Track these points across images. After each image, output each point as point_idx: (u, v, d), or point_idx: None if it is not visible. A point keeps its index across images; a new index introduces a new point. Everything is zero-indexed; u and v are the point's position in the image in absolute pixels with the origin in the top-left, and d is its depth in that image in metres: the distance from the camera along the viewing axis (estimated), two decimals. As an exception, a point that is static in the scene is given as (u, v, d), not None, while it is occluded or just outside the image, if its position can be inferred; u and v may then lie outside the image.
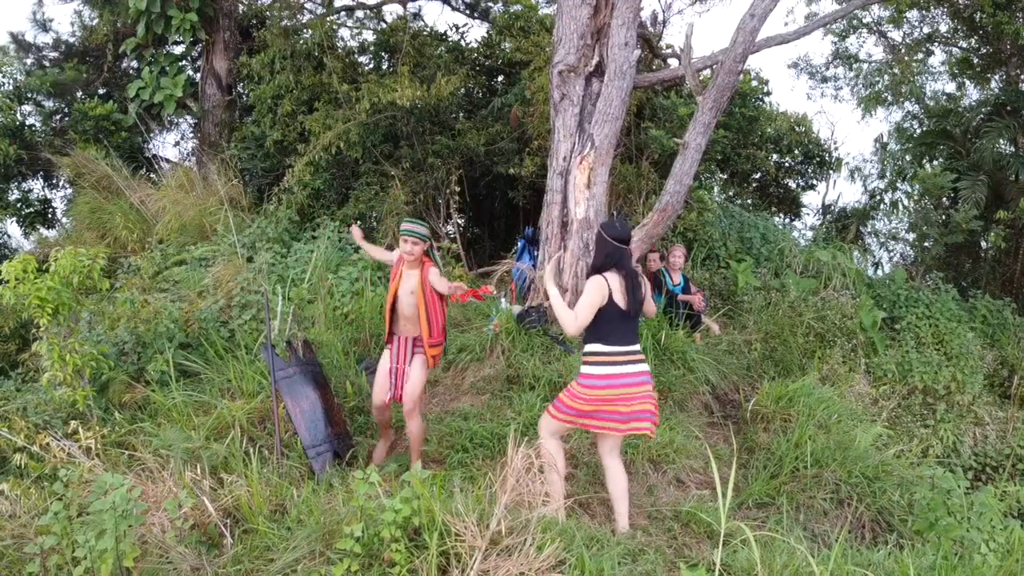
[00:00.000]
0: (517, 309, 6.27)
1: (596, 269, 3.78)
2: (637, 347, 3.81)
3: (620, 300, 3.71)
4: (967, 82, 13.05)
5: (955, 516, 4.37)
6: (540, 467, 3.51)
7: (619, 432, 3.75)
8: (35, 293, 4.59)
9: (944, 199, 10.80)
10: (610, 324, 3.73)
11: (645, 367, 3.80)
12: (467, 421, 5.03)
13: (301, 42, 9.02)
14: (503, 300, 6.55)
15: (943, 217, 9.59)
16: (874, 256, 12.70)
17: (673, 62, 8.19)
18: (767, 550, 3.55)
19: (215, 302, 5.78)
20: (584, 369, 3.75)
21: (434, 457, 4.70)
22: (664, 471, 4.68)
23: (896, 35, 13.57)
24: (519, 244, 7.10)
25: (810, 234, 13.00)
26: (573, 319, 3.65)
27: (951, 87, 13.51)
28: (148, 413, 4.81)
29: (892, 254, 12.50)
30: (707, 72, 6.47)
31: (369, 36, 10.16)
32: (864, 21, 13.89)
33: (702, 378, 5.69)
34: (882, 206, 13.22)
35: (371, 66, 9.74)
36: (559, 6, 6.48)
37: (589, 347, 3.76)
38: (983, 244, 11.13)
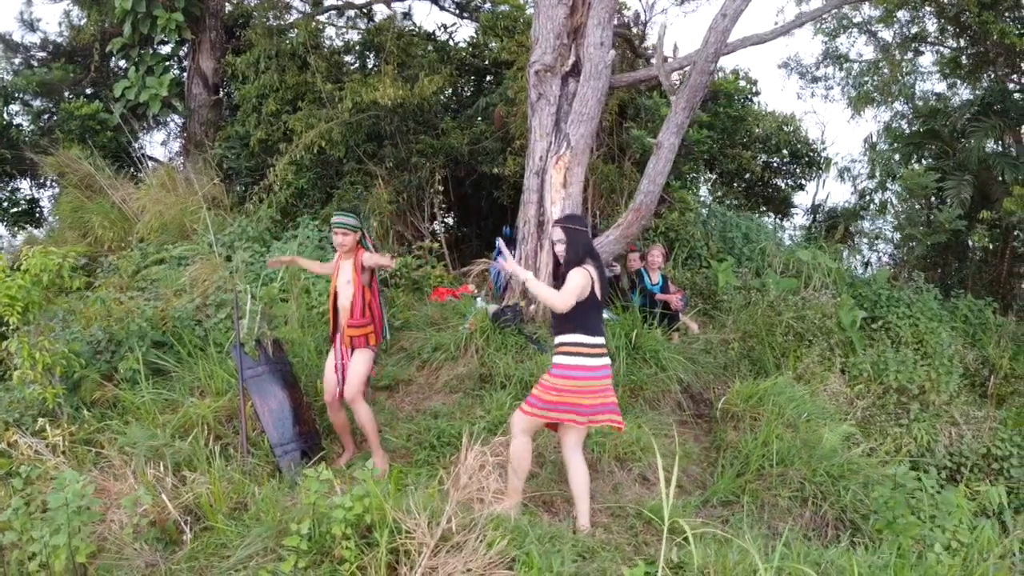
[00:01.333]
0: (493, 308, 6.29)
1: (575, 262, 3.75)
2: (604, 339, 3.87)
3: (598, 291, 3.75)
4: (959, 82, 13.06)
5: (919, 515, 4.39)
6: (495, 464, 3.53)
7: (578, 424, 3.76)
8: (5, 292, 4.62)
9: (932, 199, 10.81)
10: (591, 315, 3.74)
11: (609, 360, 3.85)
12: (436, 419, 5.05)
13: (286, 42, 9.05)
14: (479, 299, 6.57)
15: (927, 217, 9.60)
16: (863, 256, 12.73)
17: (655, 61, 8.22)
18: (722, 548, 3.57)
19: (190, 301, 5.80)
20: (562, 360, 3.72)
21: (401, 454, 4.73)
22: (630, 469, 4.70)
23: (887, 35, 13.59)
24: (497, 243, 7.11)
25: (799, 234, 13.03)
26: (560, 298, 3.61)
27: (941, 87, 13.53)
28: (117, 411, 4.84)
29: (881, 255, 12.51)
30: (685, 71, 6.49)
31: (355, 36, 10.18)
32: (855, 21, 13.90)
33: (674, 376, 5.69)
34: (872, 206, 13.24)
35: (356, 66, 9.76)
36: (536, 6, 6.51)
37: (570, 338, 3.74)
38: (970, 244, 11.13)
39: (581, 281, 3.67)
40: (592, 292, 3.73)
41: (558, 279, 3.84)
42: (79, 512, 3.22)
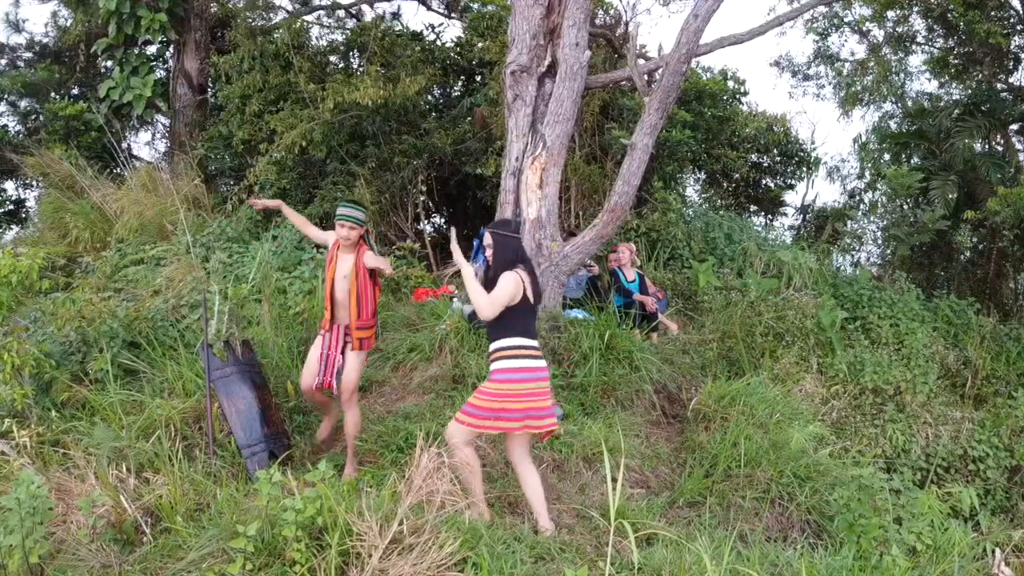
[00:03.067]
0: (468, 309, 6.28)
1: (505, 267, 3.79)
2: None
3: (531, 294, 3.77)
4: (950, 82, 13.06)
5: (884, 516, 4.39)
6: (450, 467, 3.53)
7: (513, 431, 3.77)
8: (-28, 293, 4.63)
9: (919, 199, 10.80)
10: (525, 318, 3.78)
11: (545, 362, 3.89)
12: (407, 421, 5.05)
13: (270, 42, 9.05)
14: (455, 300, 6.57)
15: (912, 217, 9.59)
16: (852, 256, 12.73)
17: (640, 62, 8.21)
18: (680, 549, 3.58)
19: (165, 302, 5.80)
20: (502, 364, 3.73)
21: (368, 456, 4.73)
22: (597, 470, 4.70)
23: (879, 34, 13.57)
24: (475, 244, 7.12)
25: (789, 234, 13.03)
26: (488, 302, 3.64)
27: (930, 87, 13.54)
28: (87, 412, 4.84)
29: (869, 255, 12.51)
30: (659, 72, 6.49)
31: (339, 36, 10.19)
32: (846, 20, 13.89)
33: (647, 377, 5.69)
34: (861, 206, 13.24)
35: (340, 66, 9.76)
36: (512, 6, 6.50)
37: (508, 341, 3.75)
38: (957, 245, 11.13)
39: (511, 287, 3.70)
40: (525, 296, 3.76)
41: (488, 284, 3.84)
42: (33, 512, 3.22)
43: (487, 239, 3.94)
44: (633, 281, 7.07)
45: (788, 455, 4.68)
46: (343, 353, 4.50)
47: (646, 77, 6.09)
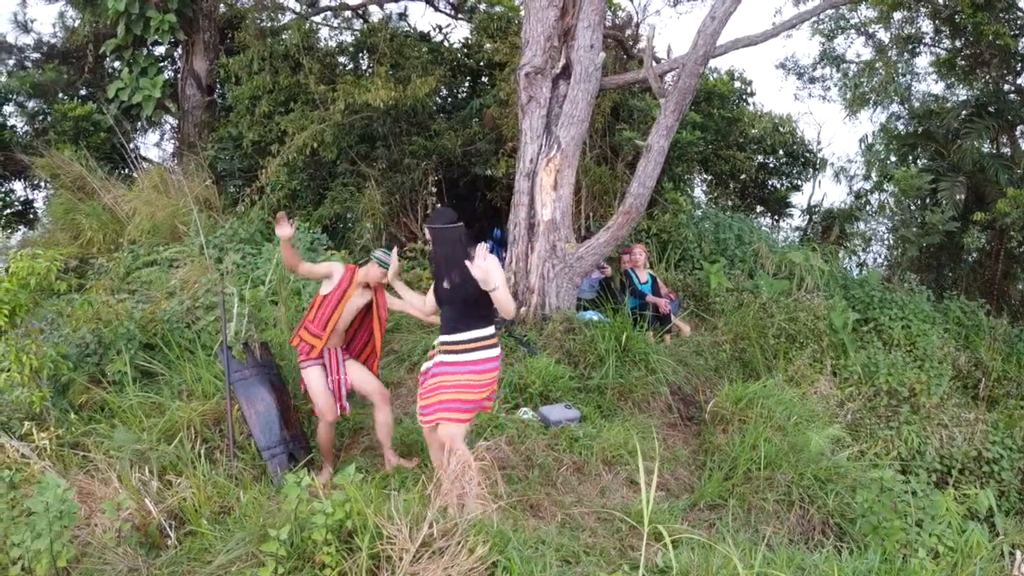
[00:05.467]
0: None
1: (458, 256, 3.72)
2: None
3: None
4: (956, 83, 13.06)
5: (905, 519, 4.39)
6: (478, 469, 3.52)
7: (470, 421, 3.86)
8: (-9, 295, 4.61)
9: (927, 200, 10.81)
10: (491, 305, 3.72)
11: None
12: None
13: (279, 43, 9.05)
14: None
15: (921, 218, 9.60)
16: (859, 257, 12.71)
17: (646, 64, 8.20)
18: (707, 552, 3.57)
19: (180, 303, 5.79)
20: (484, 354, 3.71)
21: (413, 453, 4.73)
22: (617, 472, 4.70)
23: (884, 36, 13.58)
24: (488, 246, 7.11)
25: (796, 235, 13.03)
26: (509, 297, 3.65)
27: (937, 88, 13.52)
28: (105, 415, 4.83)
29: (876, 256, 12.50)
30: (673, 74, 6.49)
31: (348, 37, 10.18)
32: (851, 22, 13.89)
33: (663, 379, 5.69)
34: (868, 207, 13.24)
35: (350, 67, 9.76)
36: (526, 8, 6.50)
37: (487, 330, 3.74)
38: (964, 246, 11.12)
39: (504, 278, 3.66)
40: None
41: (443, 280, 3.76)
42: (60, 516, 3.22)
43: (427, 235, 3.90)
44: (646, 283, 7.07)
45: (808, 458, 4.68)
46: (347, 372, 4.49)
47: (668, 79, 6.08)
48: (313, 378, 4.41)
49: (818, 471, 4.64)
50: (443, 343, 3.80)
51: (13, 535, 3.26)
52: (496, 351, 3.78)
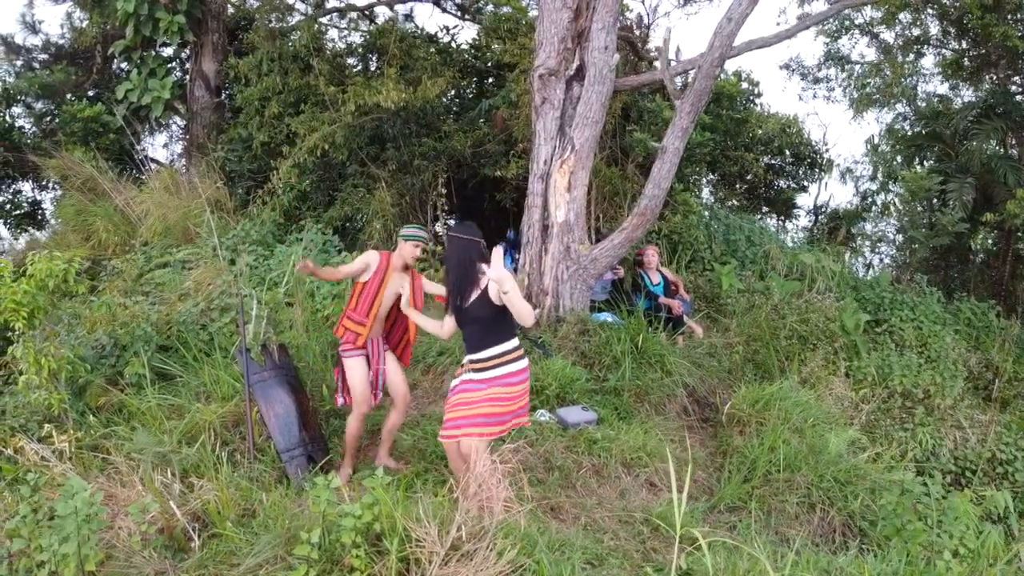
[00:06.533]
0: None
1: (472, 268, 3.72)
2: None
3: None
4: (961, 84, 13.06)
5: (925, 521, 4.38)
6: (504, 472, 3.52)
7: (502, 434, 3.83)
8: (10, 297, 4.60)
9: (934, 201, 10.81)
10: (511, 318, 3.70)
11: None
12: (440, 425, 5.03)
13: (288, 44, 9.04)
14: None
15: (930, 219, 9.60)
16: (865, 258, 12.72)
17: (659, 65, 8.21)
18: (734, 554, 3.57)
19: (195, 305, 5.79)
20: (510, 367, 3.70)
21: (405, 459, 4.72)
22: (637, 475, 4.69)
23: (888, 36, 13.58)
24: (500, 247, 7.11)
25: (802, 236, 13.02)
26: (528, 309, 3.61)
27: (942, 89, 13.52)
28: (123, 417, 4.83)
29: (882, 256, 12.50)
30: (688, 75, 6.49)
31: (357, 38, 10.18)
32: (856, 22, 13.89)
33: (679, 381, 5.69)
34: (873, 208, 13.24)
35: (359, 68, 9.75)
36: (540, 9, 6.50)
37: (512, 343, 3.72)
38: (972, 247, 11.13)
39: (518, 285, 3.73)
40: None
41: (457, 297, 3.75)
42: (88, 520, 3.21)
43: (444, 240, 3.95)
44: (658, 284, 7.07)
45: (827, 460, 4.68)
46: (386, 364, 4.51)
47: (678, 80, 6.07)
48: (355, 367, 4.39)
49: (838, 473, 4.64)
50: (470, 362, 3.80)
51: (39, 539, 3.26)
52: (523, 363, 3.76)
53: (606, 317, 6.39)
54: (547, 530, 3.76)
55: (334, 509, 3.19)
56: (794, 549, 3.25)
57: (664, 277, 7.24)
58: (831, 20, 14.22)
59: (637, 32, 8.47)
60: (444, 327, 4.02)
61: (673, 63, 6.91)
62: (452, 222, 8.04)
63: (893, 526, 3.97)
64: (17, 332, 4.72)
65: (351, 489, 4.08)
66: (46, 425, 4.51)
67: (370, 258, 4.44)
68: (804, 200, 13.50)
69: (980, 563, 4.12)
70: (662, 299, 6.87)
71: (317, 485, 3.21)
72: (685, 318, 7.02)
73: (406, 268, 4.42)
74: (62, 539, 3.20)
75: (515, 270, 6.73)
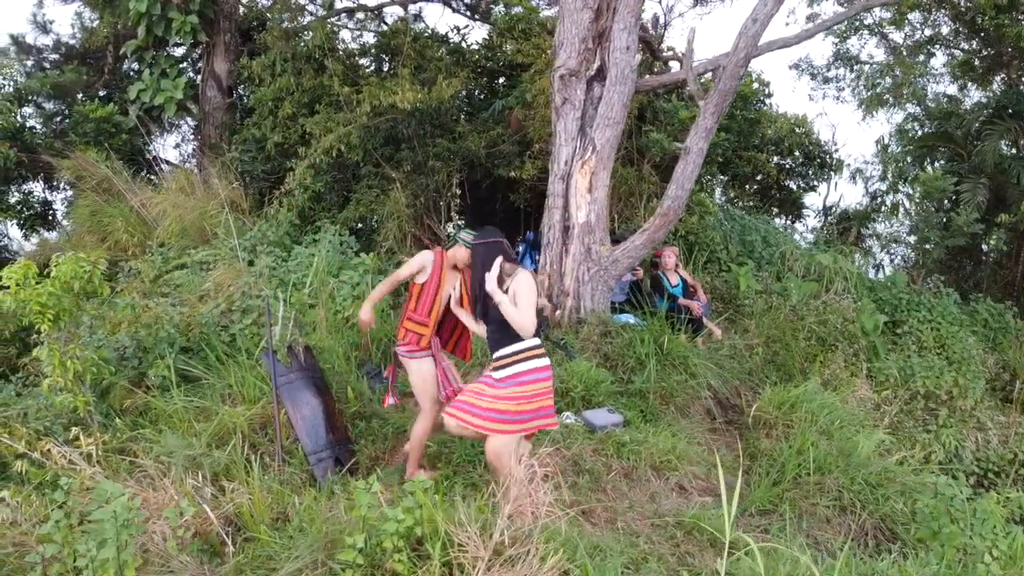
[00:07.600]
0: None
1: (490, 271, 3.82)
2: None
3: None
4: (970, 84, 13.05)
5: (958, 524, 4.36)
6: (544, 476, 3.50)
7: (527, 432, 3.86)
8: (36, 299, 4.57)
9: (945, 202, 10.80)
10: (535, 318, 3.82)
11: None
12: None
13: (302, 44, 9.01)
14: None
15: (944, 220, 9.58)
16: (875, 258, 12.70)
17: (674, 65, 8.19)
18: (770, 559, 3.55)
19: (216, 307, 5.76)
20: (528, 365, 3.76)
21: (433, 463, 4.69)
22: (667, 478, 4.67)
23: (898, 36, 13.58)
24: (520, 248, 7.09)
25: (811, 236, 13.00)
26: (528, 318, 3.71)
27: (952, 89, 13.52)
28: (149, 419, 4.80)
29: (893, 256, 12.48)
30: (708, 76, 6.47)
31: (370, 38, 10.15)
32: (866, 23, 13.88)
33: (704, 383, 5.67)
34: (883, 208, 13.22)
35: (372, 68, 9.72)
36: (561, 10, 6.47)
37: (528, 342, 3.78)
38: (984, 247, 11.12)
39: (533, 288, 3.79)
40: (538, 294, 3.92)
41: (477, 300, 3.93)
42: (126, 525, 3.18)
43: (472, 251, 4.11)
44: (677, 285, 7.05)
45: (858, 462, 4.66)
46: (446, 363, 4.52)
47: (702, 80, 6.05)
48: (425, 368, 4.37)
49: (868, 476, 4.61)
50: (494, 359, 3.89)
51: (77, 544, 3.23)
52: (542, 361, 3.81)
53: (628, 319, 6.36)
54: (584, 535, 3.74)
55: (374, 513, 3.16)
56: (842, 557, 3.22)
57: (683, 279, 7.21)
58: (842, 22, 14.25)
59: (653, 32, 8.44)
60: (479, 324, 4.12)
61: (696, 63, 6.88)
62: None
63: (930, 529, 3.95)
64: (42, 334, 4.69)
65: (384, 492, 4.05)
66: (72, 428, 4.47)
67: (425, 259, 4.42)
68: (812, 200, 13.50)
69: (1016, 566, 4.10)
70: (681, 300, 6.85)
71: (357, 488, 3.19)
72: (704, 320, 7.00)
73: (455, 267, 4.42)
74: (99, 544, 3.17)
75: (535, 271, 6.70)
